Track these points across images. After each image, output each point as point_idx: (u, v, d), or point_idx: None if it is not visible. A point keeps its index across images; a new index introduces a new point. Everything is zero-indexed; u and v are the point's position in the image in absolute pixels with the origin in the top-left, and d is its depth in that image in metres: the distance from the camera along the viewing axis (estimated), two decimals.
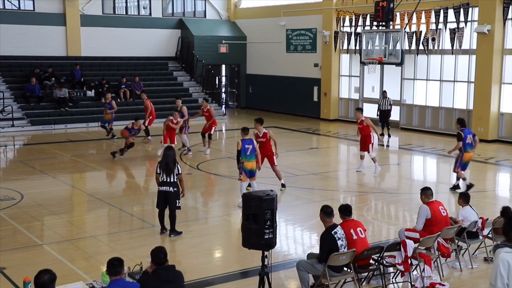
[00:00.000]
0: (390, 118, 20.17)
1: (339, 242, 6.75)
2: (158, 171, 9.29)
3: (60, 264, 8.00)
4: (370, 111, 23.48)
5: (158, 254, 5.57)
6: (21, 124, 21.22)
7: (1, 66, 23.37)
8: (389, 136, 19.82)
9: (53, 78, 23.29)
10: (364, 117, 14.30)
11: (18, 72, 23.44)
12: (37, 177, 13.77)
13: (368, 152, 14.13)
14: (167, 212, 9.42)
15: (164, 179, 9.25)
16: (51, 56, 24.57)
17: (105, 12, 26.22)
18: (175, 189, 9.29)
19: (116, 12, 26.76)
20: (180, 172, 9.34)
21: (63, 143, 18.67)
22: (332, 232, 6.78)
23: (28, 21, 24.10)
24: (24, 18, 24.13)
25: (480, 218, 8.35)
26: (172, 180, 9.25)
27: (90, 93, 23.65)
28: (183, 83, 26.66)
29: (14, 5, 24.30)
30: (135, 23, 26.74)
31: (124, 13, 27.03)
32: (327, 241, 6.77)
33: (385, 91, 20.28)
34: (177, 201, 9.32)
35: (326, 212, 6.92)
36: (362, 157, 14.43)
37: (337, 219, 7.32)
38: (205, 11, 28.80)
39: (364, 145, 14.18)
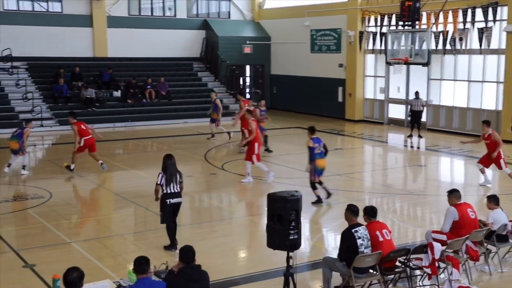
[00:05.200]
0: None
1: (359, 242, 6.72)
2: (160, 182, 8.53)
3: (88, 262, 8.12)
4: (396, 111, 23.32)
5: (187, 253, 5.62)
6: (49, 124, 21.58)
7: (30, 67, 23.82)
8: (420, 137, 19.57)
9: (80, 81, 23.59)
10: (492, 130, 12.72)
11: (47, 72, 23.83)
12: (65, 176, 13.99)
13: (501, 168, 12.64)
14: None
15: (170, 190, 8.56)
16: (78, 57, 24.92)
17: (131, 13, 26.49)
18: (181, 198, 8.76)
19: (142, 13, 27.01)
20: (182, 180, 8.75)
21: None
22: (353, 231, 6.79)
23: (56, 23, 24.50)
24: (52, 20, 24.53)
25: (510, 221, 8.19)
26: (178, 190, 8.65)
27: (117, 94, 23.93)
28: (208, 84, 26.78)
29: (43, 7, 24.73)
30: (160, 24, 26.96)
31: (150, 14, 27.27)
32: (346, 239, 6.80)
33: (417, 91, 20.03)
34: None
35: (352, 210, 6.94)
36: (483, 171, 12.93)
37: (362, 220, 7.28)
38: (229, 11, 28.88)
39: (490, 160, 12.61)
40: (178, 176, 8.66)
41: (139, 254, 5.77)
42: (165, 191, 8.56)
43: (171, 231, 8.71)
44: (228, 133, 18.61)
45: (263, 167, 13.26)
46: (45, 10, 24.76)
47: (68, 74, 23.61)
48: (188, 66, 27.39)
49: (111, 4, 25.71)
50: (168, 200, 8.58)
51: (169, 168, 8.60)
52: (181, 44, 27.35)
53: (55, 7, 24.92)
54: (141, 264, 5.37)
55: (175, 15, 27.53)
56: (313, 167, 11.04)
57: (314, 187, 11.23)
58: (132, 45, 25.87)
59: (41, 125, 21.24)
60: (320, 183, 11.29)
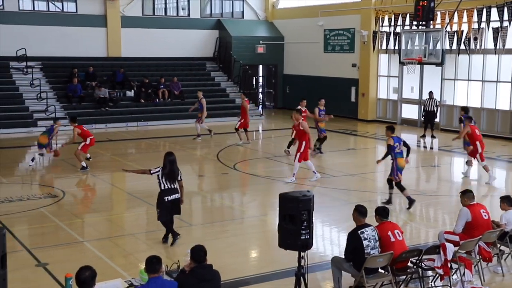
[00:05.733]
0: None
1: (365, 243, 6.70)
2: (154, 172, 8.68)
3: (100, 261, 8.17)
4: (409, 111, 23.18)
5: (199, 252, 5.63)
6: (63, 124, 21.66)
7: (44, 66, 24.04)
8: (433, 137, 19.44)
9: (94, 81, 23.76)
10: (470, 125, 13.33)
11: (61, 72, 24.03)
12: (78, 176, 14.10)
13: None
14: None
15: (168, 186, 8.65)
16: (92, 57, 25.10)
17: (144, 14, 26.63)
18: (179, 194, 8.82)
19: (156, 13, 27.15)
20: (181, 178, 8.84)
21: (103, 142, 19.05)
22: (359, 232, 6.77)
23: (70, 23, 24.71)
24: (67, 20, 24.74)
25: None
26: (176, 187, 8.76)
27: (130, 94, 24.07)
28: (221, 84, 26.83)
29: (58, 7, 24.95)
30: (174, 24, 27.06)
31: (163, 14, 27.39)
32: (352, 240, 6.79)
33: (431, 91, 19.90)
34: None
35: (360, 211, 6.92)
36: (469, 163, 13.84)
37: (373, 221, 7.25)
38: (243, 11, 28.91)
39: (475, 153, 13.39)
40: (178, 173, 8.77)
41: (151, 253, 5.79)
42: (163, 188, 8.68)
43: (169, 228, 8.89)
44: (210, 130, 18.95)
45: (310, 166, 13.28)
46: (59, 10, 24.98)
47: (82, 74, 23.79)
48: (201, 66, 27.47)
49: (125, 4, 25.86)
50: (166, 198, 8.69)
51: (169, 165, 8.69)
52: (195, 44, 27.43)
53: (70, 7, 25.13)
54: (153, 263, 5.39)
55: (188, 15, 27.62)
56: (395, 167, 11.00)
57: (402, 188, 11.11)
58: (145, 45, 26.00)
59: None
60: (392, 185, 11.25)
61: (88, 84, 23.54)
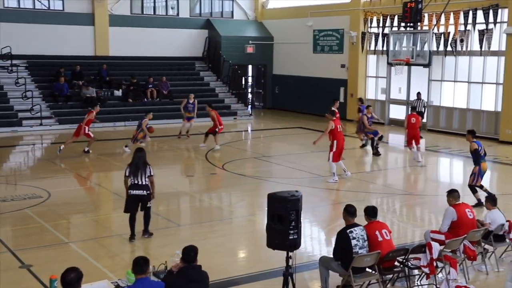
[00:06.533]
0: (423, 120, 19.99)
1: (353, 242, 6.74)
2: (127, 174, 8.89)
3: (86, 262, 8.10)
4: (397, 112, 23.30)
5: (190, 253, 5.62)
6: (49, 123, 21.58)
7: (30, 65, 23.80)
8: (420, 137, 19.52)
9: (81, 80, 23.60)
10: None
11: (47, 71, 23.82)
12: (64, 176, 14.00)
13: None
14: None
15: (134, 181, 8.86)
16: (79, 56, 24.92)
17: (133, 12, 26.49)
18: (148, 191, 8.96)
19: (144, 12, 27.02)
20: (151, 174, 8.98)
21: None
22: (348, 231, 6.82)
23: (57, 21, 24.50)
24: (53, 18, 24.53)
25: (507, 221, 8.21)
26: (144, 183, 8.89)
27: (118, 93, 23.93)
28: (210, 83, 26.78)
29: (44, 5, 24.73)
30: (163, 23, 26.96)
31: (152, 13, 27.28)
32: (341, 239, 6.84)
33: (419, 92, 20.04)
34: (149, 202, 9.06)
35: (349, 211, 6.98)
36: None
37: (362, 220, 7.29)
38: (232, 11, 28.88)
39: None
40: (146, 169, 8.92)
41: (138, 254, 5.79)
42: (130, 183, 8.93)
43: (131, 222, 9.05)
44: (187, 132, 19.15)
45: (341, 165, 13.44)
46: (46, 8, 24.77)
47: (69, 72, 23.59)
48: (190, 66, 27.40)
49: (114, 3, 25.71)
50: (130, 191, 8.93)
51: (135, 161, 8.97)
52: (184, 43, 27.35)
53: (57, 5, 24.93)
54: (140, 264, 5.36)
55: (178, 14, 27.54)
56: (478, 170, 11.03)
57: (474, 191, 11.15)
58: (134, 44, 25.87)
59: (41, 124, 21.24)
60: (481, 187, 11.26)
61: (75, 83, 23.36)
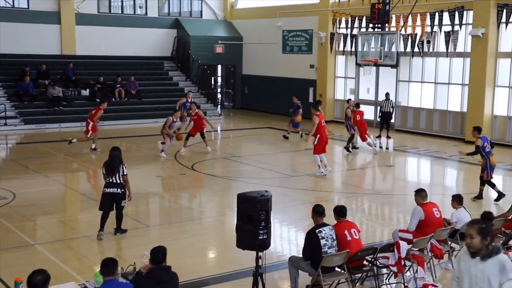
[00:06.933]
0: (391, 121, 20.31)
1: (322, 242, 6.78)
2: (104, 172, 9.12)
3: (53, 264, 7.95)
4: (366, 112, 23.46)
5: (157, 254, 5.57)
6: (14, 123, 21.11)
7: None
8: (388, 137, 19.85)
9: (47, 79, 23.17)
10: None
11: (12, 70, 23.30)
12: (29, 177, 13.71)
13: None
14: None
15: (109, 180, 9.03)
16: (45, 55, 24.47)
17: (100, 11, 26.14)
18: (122, 190, 9.07)
19: (112, 11, 26.68)
20: (125, 173, 9.09)
21: (56, 142, 18.60)
22: (317, 231, 6.85)
23: (22, 19, 23.99)
24: (18, 16, 24.02)
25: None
26: (118, 181, 9.02)
27: (85, 92, 23.56)
28: (179, 83, 26.61)
29: (8, 3, 24.18)
30: (131, 23, 26.68)
31: (120, 12, 26.96)
32: (310, 239, 6.88)
33: (388, 93, 20.30)
34: (123, 201, 9.17)
35: (317, 211, 7.02)
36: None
37: (332, 220, 7.34)
38: (201, 11, 28.77)
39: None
40: (120, 168, 9.02)
41: (106, 255, 5.69)
42: (106, 181, 9.09)
43: (102, 219, 9.16)
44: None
45: (323, 159, 13.85)
46: (10, 6, 24.23)
47: (34, 72, 23.14)
48: (159, 65, 27.18)
49: (80, 1, 25.32)
50: (104, 189, 9.08)
51: (110, 159, 9.11)
52: (152, 43, 27.12)
53: (21, 3, 24.44)
54: (109, 266, 5.30)
55: (146, 13, 27.29)
56: (488, 165, 11.41)
57: (492, 185, 11.55)
58: (101, 43, 25.53)
59: (5, 124, 20.77)
60: (483, 182, 11.60)
61: (40, 82, 22.91)
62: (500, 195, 11.59)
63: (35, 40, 24.13)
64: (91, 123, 16.57)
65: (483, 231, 4.57)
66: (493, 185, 11.76)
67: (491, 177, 11.65)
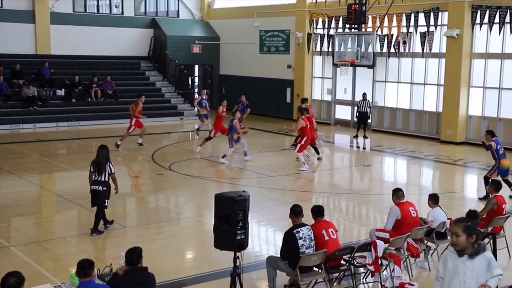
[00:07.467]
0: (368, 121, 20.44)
1: (300, 242, 6.80)
2: (92, 170, 9.27)
3: (28, 266, 7.83)
4: (343, 112, 23.74)
5: (132, 255, 5.53)
6: None
7: None
8: (365, 137, 20.02)
9: (21, 79, 22.80)
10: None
11: None
12: (4, 178, 13.46)
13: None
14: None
15: (96, 178, 9.20)
16: (19, 54, 24.09)
17: (75, 10, 25.83)
18: (105, 188, 9.21)
19: (88, 10, 26.38)
20: (113, 172, 9.30)
21: (31, 142, 18.32)
22: (294, 231, 6.87)
23: None
24: None
25: (449, 219, 8.47)
26: (103, 179, 9.19)
27: (60, 92, 23.26)
28: (156, 83, 26.44)
29: None
30: (107, 22, 26.41)
31: (96, 12, 26.67)
32: (288, 239, 6.89)
33: (365, 93, 20.47)
34: (106, 200, 9.28)
35: (294, 211, 7.03)
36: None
37: (310, 219, 7.36)
38: (178, 10, 28.63)
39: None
40: (107, 166, 9.21)
41: (82, 257, 5.61)
42: (93, 178, 9.23)
43: (96, 217, 9.32)
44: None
45: (302, 158, 14.61)
46: None
47: (8, 71, 22.75)
48: (136, 65, 26.96)
49: (55, 0, 24.98)
50: (91, 186, 9.28)
51: (98, 157, 9.28)
52: (129, 42, 26.90)
53: None
54: (85, 267, 5.24)
55: (122, 13, 27.05)
56: (497, 166, 11.63)
57: (487, 183, 11.56)
58: (77, 42, 25.22)
59: None
60: (488, 182, 11.57)
61: (15, 82, 22.54)
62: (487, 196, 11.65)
63: (9, 39, 23.72)
64: (134, 119, 16.95)
65: (469, 229, 4.59)
66: (486, 183, 11.74)
67: (491, 176, 11.75)
